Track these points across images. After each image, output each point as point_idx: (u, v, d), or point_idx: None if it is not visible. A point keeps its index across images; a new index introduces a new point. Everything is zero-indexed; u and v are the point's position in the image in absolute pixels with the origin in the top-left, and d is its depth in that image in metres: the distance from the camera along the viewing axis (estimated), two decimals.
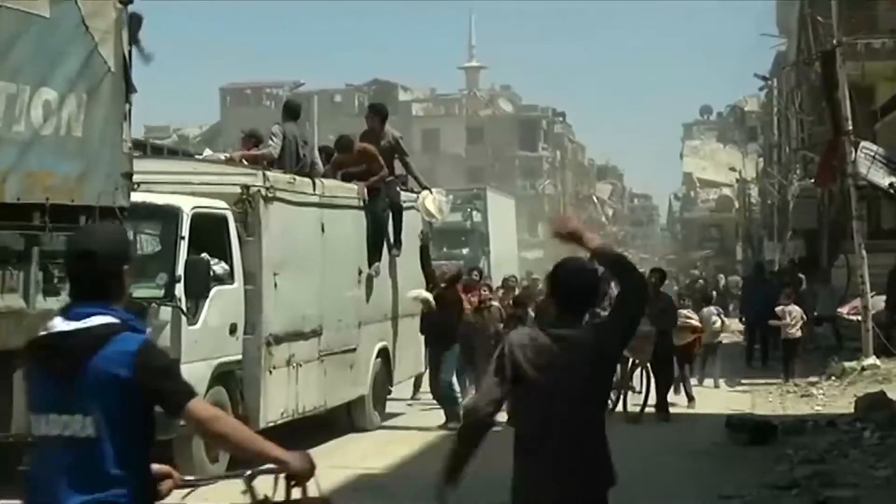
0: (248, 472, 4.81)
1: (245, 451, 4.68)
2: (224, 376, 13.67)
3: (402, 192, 18.83)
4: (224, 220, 13.97)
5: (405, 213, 19.00)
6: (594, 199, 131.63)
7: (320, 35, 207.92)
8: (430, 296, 17.74)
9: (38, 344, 4.73)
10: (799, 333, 22.80)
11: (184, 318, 12.82)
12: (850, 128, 23.06)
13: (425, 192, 18.54)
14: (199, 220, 13.66)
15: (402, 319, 18.64)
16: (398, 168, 18.74)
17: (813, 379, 22.89)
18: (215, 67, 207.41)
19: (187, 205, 13.57)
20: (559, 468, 5.57)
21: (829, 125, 24.89)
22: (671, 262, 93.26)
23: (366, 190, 17.03)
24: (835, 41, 23.47)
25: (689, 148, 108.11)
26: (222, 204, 14.00)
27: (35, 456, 4.80)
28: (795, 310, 22.49)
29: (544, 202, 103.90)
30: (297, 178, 15.61)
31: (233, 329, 13.89)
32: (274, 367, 14.48)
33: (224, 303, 13.72)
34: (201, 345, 13.16)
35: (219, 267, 13.58)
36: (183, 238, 13.15)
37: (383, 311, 18.09)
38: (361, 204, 17.36)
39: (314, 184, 16.00)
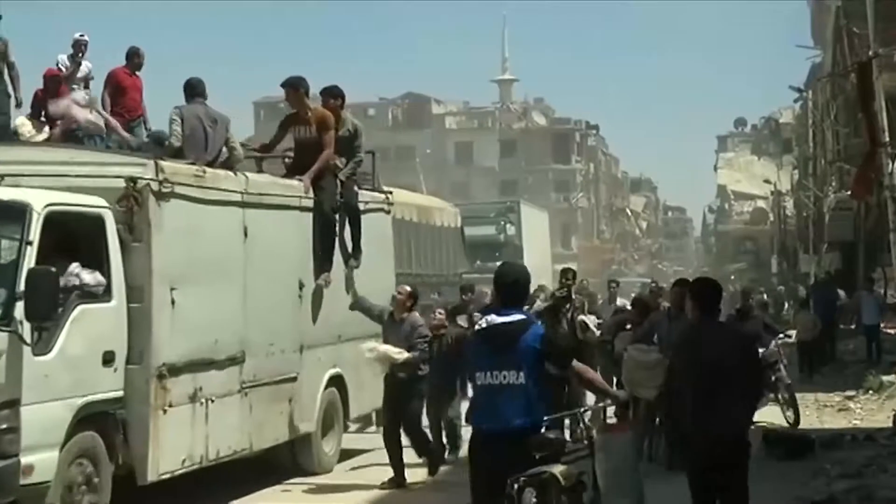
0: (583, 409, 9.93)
1: (599, 391, 8.63)
2: (96, 418, 10.53)
3: (363, 192, 15.47)
4: (100, 220, 10.87)
5: (370, 217, 15.70)
6: (628, 211, 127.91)
7: (353, 49, 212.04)
8: (392, 351, 13.06)
9: (487, 330, 7.76)
10: None
11: (26, 348, 9.61)
12: (887, 139, 22.43)
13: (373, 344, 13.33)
14: (62, 221, 10.66)
15: (362, 341, 14.29)
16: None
17: (850, 393, 22.07)
18: (249, 81, 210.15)
19: (39, 201, 10.39)
20: None
21: (866, 137, 23.93)
22: (705, 275, 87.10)
23: (309, 182, 14.02)
24: (871, 52, 22.67)
25: (723, 160, 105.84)
26: (99, 201, 10.87)
27: (478, 396, 7.87)
28: None
29: (578, 215, 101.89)
30: (208, 170, 12.42)
31: (108, 358, 10.71)
32: (170, 405, 11.28)
33: (94, 325, 10.59)
34: (55, 380, 9.97)
35: (90, 278, 10.37)
36: (30, 243, 9.98)
37: (336, 332, 14.49)
38: (302, 204, 13.98)
39: (236, 178, 12.82)
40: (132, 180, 11.02)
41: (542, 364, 7.70)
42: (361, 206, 15.55)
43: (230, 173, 13.03)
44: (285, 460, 14.25)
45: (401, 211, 25.04)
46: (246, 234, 12.99)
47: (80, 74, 16.04)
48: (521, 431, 7.51)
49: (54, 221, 10.50)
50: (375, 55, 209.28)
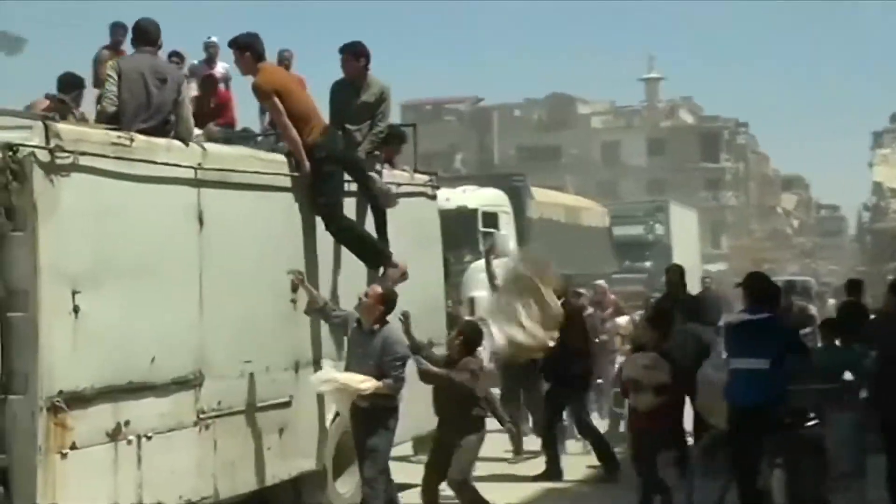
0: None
1: None
2: None
3: (401, 173, 12.80)
4: None
5: (408, 202, 12.55)
6: (779, 210, 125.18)
7: (498, 49, 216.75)
8: (354, 380, 9.75)
9: (742, 325, 10.51)
10: None
11: None
12: None
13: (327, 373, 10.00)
14: None
15: None
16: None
17: None
18: (397, 84, 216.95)
19: None
20: None
21: None
22: (860, 275, 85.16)
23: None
24: None
25: (879, 156, 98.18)
26: None
27: (732, 378, 10.15)
28: None
29: (727, 214, 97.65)
30: (139, 137, 9.17)
31: None
32: (73, 447, 8.19)
33: None
34: None
35: None
36: None
37: None
38: (295, 185, 10.89)
39: (187, 149, 9.64)
40: (10, 148, 8.01)
41: (784, 352, 10.28)
42: (395, 189, 12.47)
43: (177, 143, 9.76)
44: (286, 498, 11.08)
45: (547, 211, 26.13)
46: (201, 222, 9.79)
47: (218, 75, 15.99)
48: (768, 405, 10.15)
49: None
50: (520, 55, 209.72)
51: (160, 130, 9.80)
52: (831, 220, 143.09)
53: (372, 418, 10.20)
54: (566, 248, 26.88)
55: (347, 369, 10.23)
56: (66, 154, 8.47)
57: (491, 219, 23.52)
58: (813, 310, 25.30)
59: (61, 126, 8.63)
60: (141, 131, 9.53)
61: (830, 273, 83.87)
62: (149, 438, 9.20)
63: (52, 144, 8.34)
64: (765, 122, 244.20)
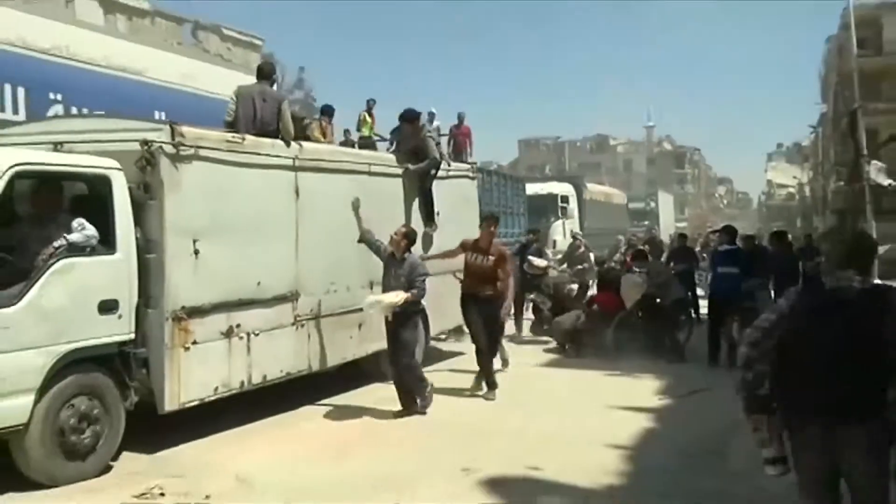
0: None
1: None
2: (102, 360, 9.45)
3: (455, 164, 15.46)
4: (105, 180, 9.36)
5: (455, 182, 16.07)
6: (716, 195, 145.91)
7: (569, 104, 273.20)
8: (391, 298, 12.28)
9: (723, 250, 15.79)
10: None
11: None
12: (865, 153, 31.81)
13: (372, 298, 13.00)
14: (50, 181, 9.32)
15: (440, 277, 14.98)
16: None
17: None
18: (515, 124, 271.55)
19: (5, 160, 8.75)
20: None
21: (853, 152, 33.07)
22: (757, 230, 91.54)
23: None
24: (856, 105, 31.78)
25: (770, 167, 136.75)
26: (108, 162, 9.60)
27: (716, 278, 17.21)
28: None
29: (688, 198, 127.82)
30: (249, 137, 11.46)
31: (108, 307, 9.29)
32: (194, 343, 10.09)
33: (84, 277, 9.03)
34: (23, 331, 8.58)
35: (77, 236, 9.21)
36: None
37: None
38: (371, 170, 14.04)
39: (287, 146, 12.12)
40: (146, 143, 9.48)
41: (746, 265, 16.36)
42: (445, 174, 15.10)
43: (278, 142, 11.43)
44: (373, 369, 13.90)
45: (594, 196, 43.27)
46: (298, 194, 11.64)
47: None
48: (734, 292, 16.18)
49: (34, 179, 9.28)
50: (578, 108, 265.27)
51: (271, 135, 11.27)
52: (744, 200, 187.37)
53: (403, 318, 11.50)
54: (604, 214, 40.87)
55: (384, 286, 11.74)
56: (188, 147, 9.51)
57: (564, 199, 35.65)
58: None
59: (185, 128, 9.53)
60: (254, 134, 10.78)
61: (742, 228, 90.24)
62: (256, 335, 10.50)
63: (175, 140, 9.51)
64: (709, 145, 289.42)
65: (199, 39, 28.16)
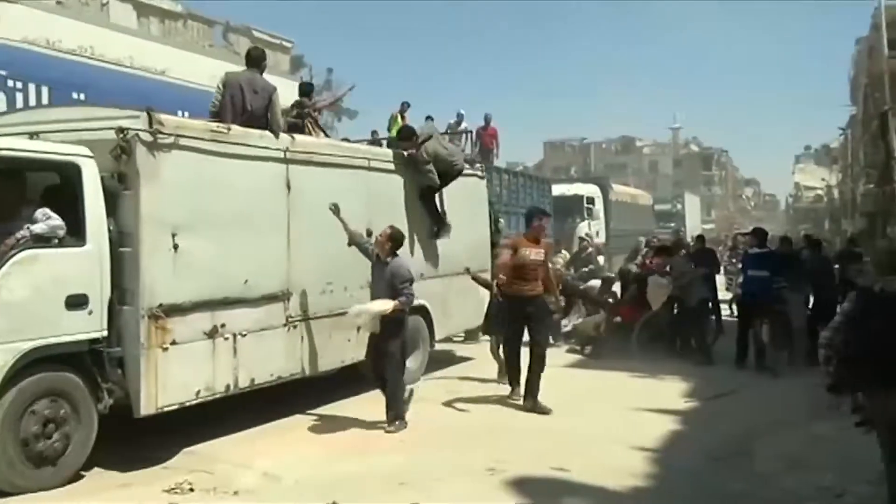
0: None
1: None
2: (71, 359, 8.91)
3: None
4: (75, 168, 8.72)
5: (466, 182, 15.28)
6: (743, 197, 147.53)
7: (594, 106, 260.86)
8: (377, 307, 11.35)
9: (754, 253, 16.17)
10: None
11: None
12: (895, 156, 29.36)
13: (358, 308, 11.86)
14: (14, 170, 8.58)
15: (446, 278, 14.64)
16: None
17: None
18: (542, 125, 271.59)
19: None
20: None
21: (883, 154, 33.13)
22: (787, 232, 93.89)
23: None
24: (886, 107, 31.85)
25: (797, 169, 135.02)
26: (78, 150, 8.97)
27: (747, 281, 16.69)
28: None
29: (715, 199, 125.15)
30: (235, 128, 10.63)
31: (76, 302, 8.71)
32: (173, 343, 9.38)
33: (49, 270, 8.46)
34: None
35: (41, 226, 8.60)
36: None
37: (418, 271, 13.46)
38: (371, 165, 13.19)
39: (277, 138, 11.35)
40: (121, 130, 8.88)
41: (777, 268, 15.91)
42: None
43: (267, 133, 10.69)
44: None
45: (620, 197, 42.12)
46: (289, 188, 10.96)
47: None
48: (764, 294, 16.07)
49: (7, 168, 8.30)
50: (604, 109, 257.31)
51: (261, 125, 10.62)
52: (772, 202, 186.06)
53: (390, 325, 10.79)
54: (630, 216, 40.33)
55: (371, 291, 11.11)
56: (167, 136, 8.91)
57: (590, 200, 35.30)
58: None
59: (164, 116, 8.95)
60: (241, 125, 10.10)
61: (770, 230, 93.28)
62: (243, 336, 9.83)
63: (153, 128, 8.89)
64: (736, 147, 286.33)
65: (230, 41, 28.35)
